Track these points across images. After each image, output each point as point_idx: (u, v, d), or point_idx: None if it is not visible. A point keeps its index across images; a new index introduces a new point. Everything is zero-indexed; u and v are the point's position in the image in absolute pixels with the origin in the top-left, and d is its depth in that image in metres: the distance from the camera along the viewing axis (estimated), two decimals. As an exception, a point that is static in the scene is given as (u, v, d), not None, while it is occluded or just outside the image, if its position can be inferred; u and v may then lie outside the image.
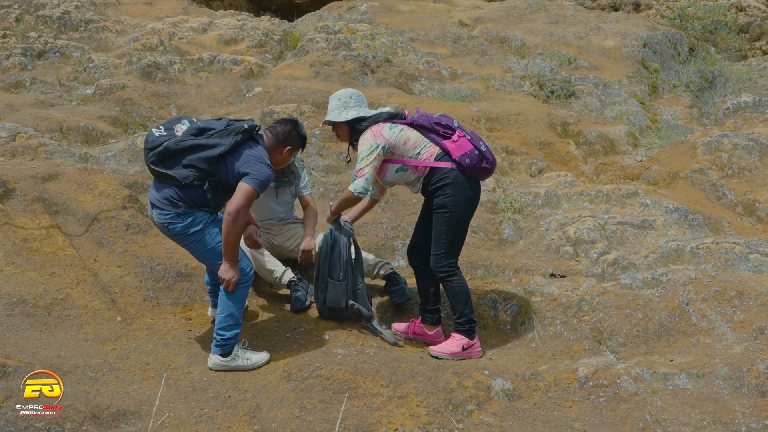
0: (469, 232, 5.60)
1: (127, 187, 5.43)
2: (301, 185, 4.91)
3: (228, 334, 3.89)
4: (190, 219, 3.82)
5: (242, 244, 4.32)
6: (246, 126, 3.86)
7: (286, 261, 4.89)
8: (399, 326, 4.58)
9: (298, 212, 5.20)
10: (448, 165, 4.12)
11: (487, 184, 6.59)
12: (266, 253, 4.72)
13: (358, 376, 3.78)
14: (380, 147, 4.10)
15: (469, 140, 4.15)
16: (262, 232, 4.86)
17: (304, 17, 13.12)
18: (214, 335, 3.94)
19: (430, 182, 4.18)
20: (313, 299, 4.63)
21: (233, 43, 10.09)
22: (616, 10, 14.74)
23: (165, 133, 3.78)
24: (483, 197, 6.27)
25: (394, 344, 4.37)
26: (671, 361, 4.09)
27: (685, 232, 5.63)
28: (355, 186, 4.10)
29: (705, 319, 4.40)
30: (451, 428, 3.47)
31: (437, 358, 4.23)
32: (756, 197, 6.32)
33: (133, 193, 5.38)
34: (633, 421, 3.59)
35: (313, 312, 4.59)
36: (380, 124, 4.21)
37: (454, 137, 4.16)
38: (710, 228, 5.80)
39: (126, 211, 5.09)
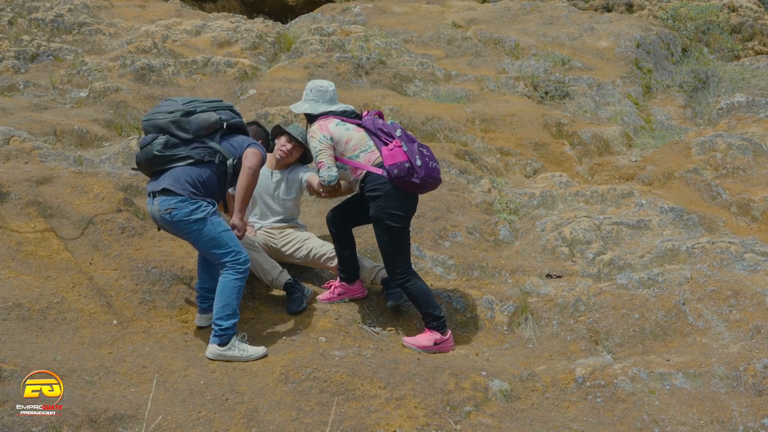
0: (464, 234, 5.63)
1: (121, 190, 5.41)
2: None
3: (225, 324, 3.95)
4: (194, 206, 3.91)
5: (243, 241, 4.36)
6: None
7: (283, 264, 4.88)
8: (323, 296, 4.71)
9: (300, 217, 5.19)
10: (379, 172, 4.19)
11: (482, 185, 6.60)
12: (263, 253, 4.70)
13: (355, 378, 3.78)
14: (326, 138, 4.23)
15: (404, 151, 4.18)
16: (260, 234, 4.85)
17: (297, 19, 13.13)
18: (213, 326, 3.99)
19: (365, 187, 4.26)
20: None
21: (227, 46, 10.08)
22: (609, 10, 14.79)
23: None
24: (479, 198, 6.28)
25: None
26: (668, 360, 4.10)
27: (681, 232, 5.65)
28: (322, 176, 4.24)
29: (701, 319, 4.41)
30: (449, 429, 3.47)
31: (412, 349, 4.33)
32: (750, 197, 6.35)
33: (128, 196, 5.36)
34: (630, 421, 3.60)
35: (310, 314, 4.58)
36: (329, 118, 4.31)
37: (391, 145, 4.22)
38: (705, 228, 5.82)
39: (121, 214, 5.06)
